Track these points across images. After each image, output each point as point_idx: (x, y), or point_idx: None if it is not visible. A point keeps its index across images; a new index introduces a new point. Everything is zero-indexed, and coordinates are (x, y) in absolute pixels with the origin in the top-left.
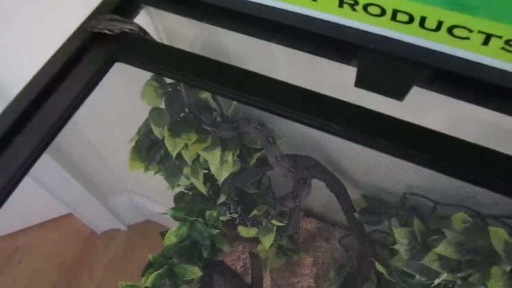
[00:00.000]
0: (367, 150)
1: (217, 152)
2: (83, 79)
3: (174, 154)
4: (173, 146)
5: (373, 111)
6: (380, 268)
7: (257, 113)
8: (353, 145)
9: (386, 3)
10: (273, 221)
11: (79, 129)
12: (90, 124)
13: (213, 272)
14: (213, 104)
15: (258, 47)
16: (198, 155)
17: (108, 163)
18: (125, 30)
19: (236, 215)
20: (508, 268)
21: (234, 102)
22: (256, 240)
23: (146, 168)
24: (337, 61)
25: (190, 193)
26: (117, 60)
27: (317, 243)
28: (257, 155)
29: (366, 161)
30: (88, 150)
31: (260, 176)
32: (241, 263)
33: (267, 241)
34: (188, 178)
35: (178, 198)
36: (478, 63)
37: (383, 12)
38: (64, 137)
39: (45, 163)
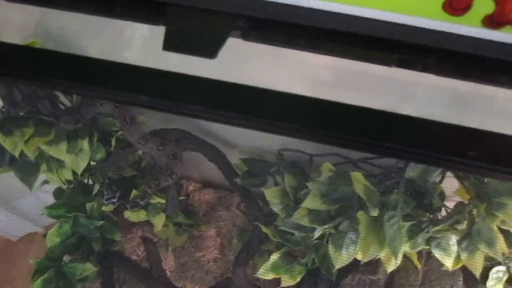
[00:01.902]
0: None
1: (63, 145)
2: None
3: (16, 154)
4: (12, 145)
5: (188, 76)
6: (265, 230)
7: None
8: None
9: None
10: (159, 200)
11: None
12: None
13: (110, 264)
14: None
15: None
16: None
17: None
18: None
19: (114, 201)
20: (375, 212)
21: None
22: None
23: None
24: (148, 23)
25: (68, 188)
26: None
27: (218, 213)
28: (115, 136)
29: None
30: None
31: (126, 157)
32: (142, 248)
33: (158, 222)
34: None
35: (57, 194)
36: (293, 5)
37: None
38: None
39: None
